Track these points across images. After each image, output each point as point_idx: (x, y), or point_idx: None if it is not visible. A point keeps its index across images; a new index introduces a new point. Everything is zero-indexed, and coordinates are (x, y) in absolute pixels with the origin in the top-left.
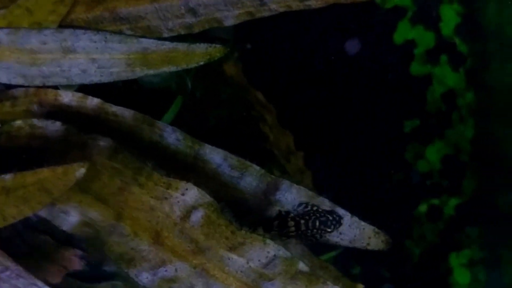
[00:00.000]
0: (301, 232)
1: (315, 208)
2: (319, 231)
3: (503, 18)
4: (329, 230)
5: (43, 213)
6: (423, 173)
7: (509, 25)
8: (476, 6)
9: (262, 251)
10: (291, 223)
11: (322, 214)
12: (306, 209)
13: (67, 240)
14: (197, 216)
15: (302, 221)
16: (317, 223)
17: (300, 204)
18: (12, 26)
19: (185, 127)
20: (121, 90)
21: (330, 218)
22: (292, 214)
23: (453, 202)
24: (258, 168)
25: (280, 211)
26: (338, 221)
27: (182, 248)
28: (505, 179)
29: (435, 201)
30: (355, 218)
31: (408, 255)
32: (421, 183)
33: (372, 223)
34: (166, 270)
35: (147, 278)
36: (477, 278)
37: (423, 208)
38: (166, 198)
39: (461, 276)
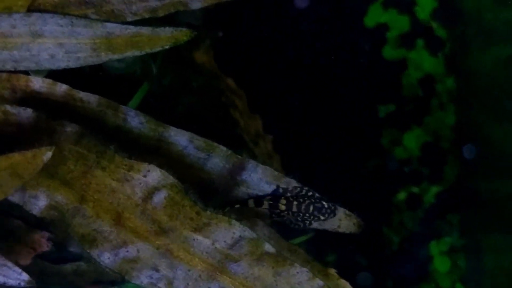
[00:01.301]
0: (291, 214)
1: (310, 193)
2: (311, 217)
3: (482, 2)
4: (322, 218)
5: (15, 199)
6: (401, 159)
7: (488, 9)
8: None
9: (227, 232)
10: (283, 201)
11: (318, 200)
12: (301, 193)
13: (37, 224)
14: (160, 197)
15: (295, 203)
16: (311, 208)
17: (295, 187)
18: None
19: (153, 114)
20: (88, 76)
21: (326, 206)
22: (288, 194)
23: (434, 189)
24: (224, 149)
25: (278, 187)
26: (333, 211)
27: (144, 229)
28: (487, 166)
29: (415, 189)
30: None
31: (386, 243)
32: (399, 170)
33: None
34: (127, 251)
35: (108, 258)
36: (457, 265)
37: (402, 195)
38: (127, 180)
39: (440, 264)
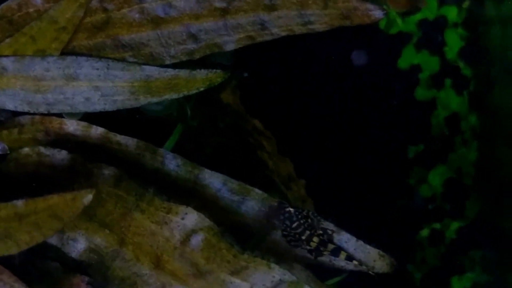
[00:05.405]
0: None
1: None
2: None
3: (507, 42)
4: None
5: (53, 240)
6: (426, 197)
7: None
8: (481, 30)
9: (267, 276)
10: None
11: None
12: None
13: (75, 266)
14: (197, 240)
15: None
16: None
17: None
18: (17, 54)
19: (184, 154)
20: (125, 118)
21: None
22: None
23: (455, 225)
24: (260, 192)
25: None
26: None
27: (183, 272)
28: (509, 202)
29: (437, 225)
30: (361, 242)
31: (410, 279)
32: (423, 207)
33: (375, 247)
34: None
35: None
36: None
37: (425, 232)
38: (166, 223)
39: None
